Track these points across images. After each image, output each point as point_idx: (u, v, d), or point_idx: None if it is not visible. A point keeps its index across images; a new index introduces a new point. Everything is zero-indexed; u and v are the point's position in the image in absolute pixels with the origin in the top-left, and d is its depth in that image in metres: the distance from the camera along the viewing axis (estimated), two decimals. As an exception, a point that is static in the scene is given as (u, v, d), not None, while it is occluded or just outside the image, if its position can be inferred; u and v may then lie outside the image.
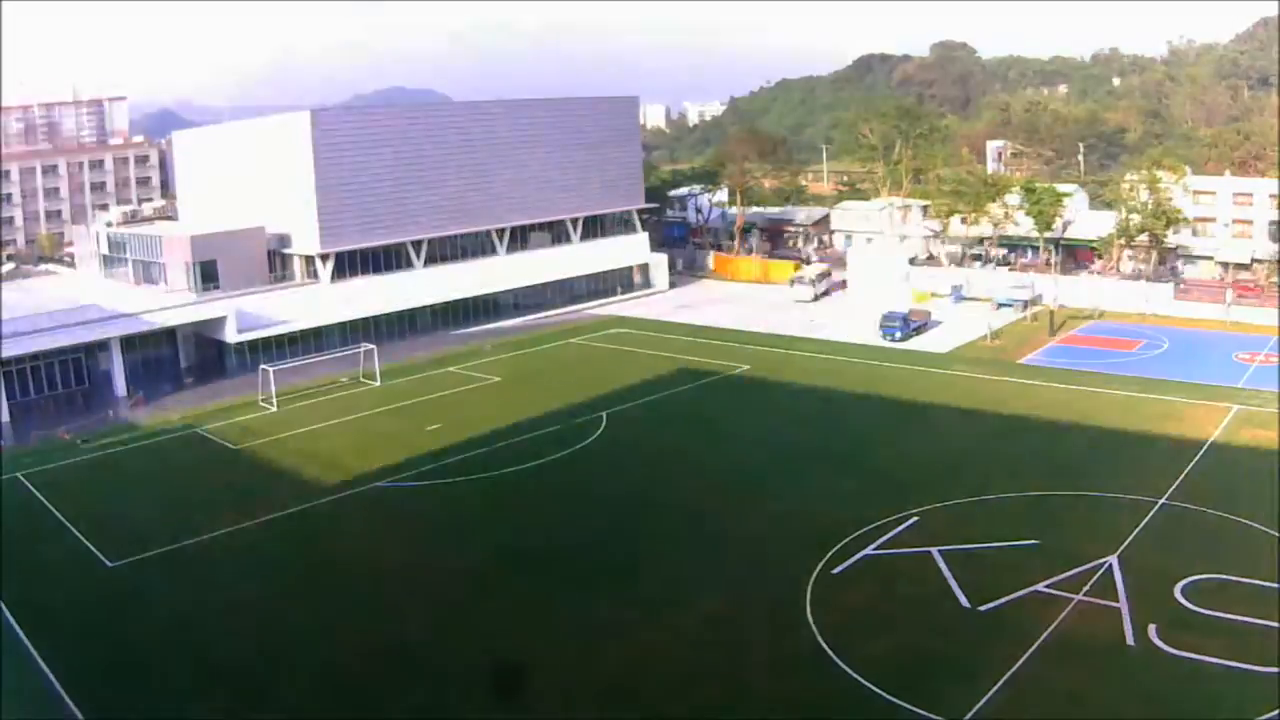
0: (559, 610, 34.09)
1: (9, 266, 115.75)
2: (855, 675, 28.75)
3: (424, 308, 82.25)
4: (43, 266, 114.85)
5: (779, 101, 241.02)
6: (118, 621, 34.78)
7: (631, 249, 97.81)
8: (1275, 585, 32.02)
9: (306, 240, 77.85)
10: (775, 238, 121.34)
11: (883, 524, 38.79)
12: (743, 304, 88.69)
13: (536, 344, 77.04)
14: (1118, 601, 32.06)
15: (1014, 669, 28.60)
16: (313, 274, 78.31)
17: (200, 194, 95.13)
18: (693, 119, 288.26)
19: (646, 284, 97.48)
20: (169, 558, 39.60)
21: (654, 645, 31.35)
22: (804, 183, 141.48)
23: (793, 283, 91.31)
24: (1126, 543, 36.13)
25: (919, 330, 73.99)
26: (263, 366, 64.63)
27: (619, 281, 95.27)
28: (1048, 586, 33.05)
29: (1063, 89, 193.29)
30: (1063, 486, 42.06)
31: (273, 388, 62.39)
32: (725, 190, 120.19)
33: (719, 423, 55.01)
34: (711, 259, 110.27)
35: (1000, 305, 79.12)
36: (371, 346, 68.73)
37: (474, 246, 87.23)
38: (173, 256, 77.54)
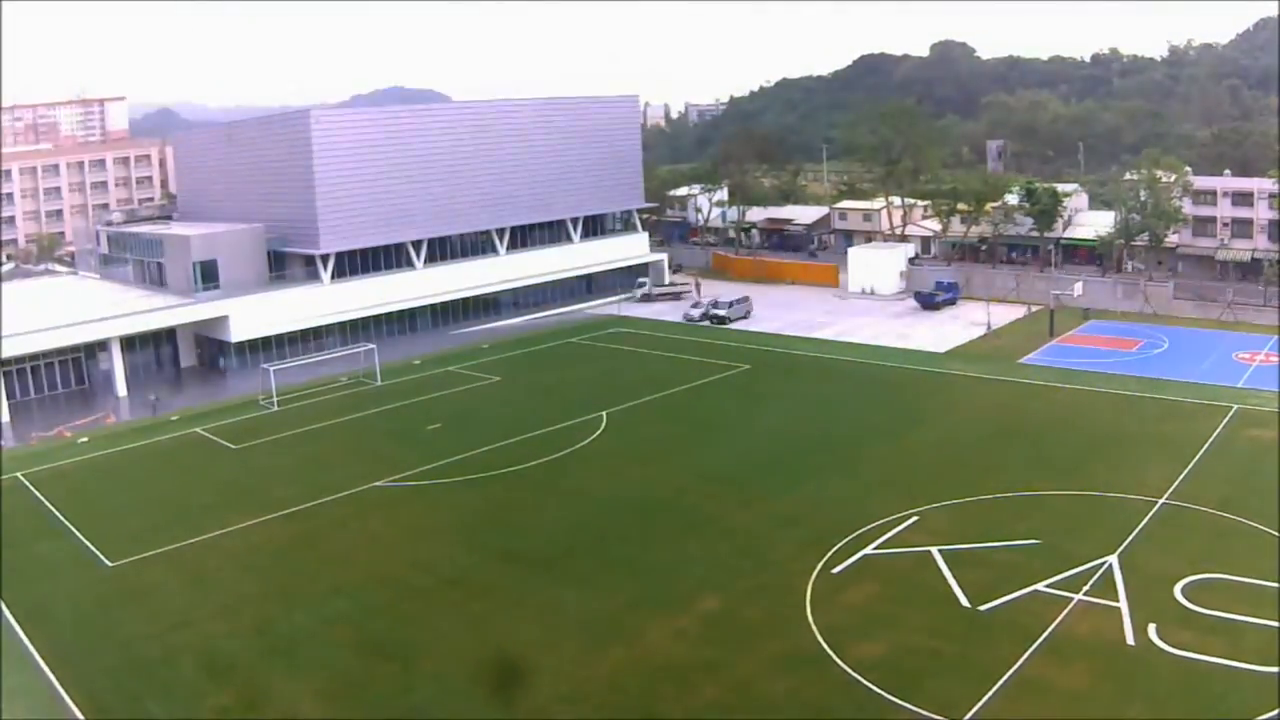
0: (559, 610, 34.07)
1: (9, 266, 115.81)
2: (855, 675, 28.76)
3: (424, 307, 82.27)
4: (43, 266, 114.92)
5: (778, 101, 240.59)
6: (118, 621, 34.79)
7: (631, 248, 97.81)
8: (1275, 585, 32.03)
9: (307, 240, 77.84)
10: (774, 237, 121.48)
11: (883, 524, 38.80)
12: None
13: (536, 343, 77.04)
14: (1118, 601, 32.06)
15: (1014, 669, 28.63)
16: (313, 274, 78.29)
17: (200, 194, 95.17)
18: (692, 119, 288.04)
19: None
20: (169, 557, 39.62)
21: (654, 645, 31.37)
22: (803, 183, 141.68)
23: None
24: (1126, 543, 36.15)
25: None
26: (263, 366, 64.68)
27: (619, 281, 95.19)
28: (1048, 586, 33.07)
29: (1063, 89, 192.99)
30: (1063, 486, 42.05)
31: (273, 387, 62.41)
32: (725, 190, 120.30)
33: (719, 422, 55.00)
34: (711, 258, 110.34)
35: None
36: (371, 346, 68.77)
37: (474, 246, 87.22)
38: (173, 256, 77.54)
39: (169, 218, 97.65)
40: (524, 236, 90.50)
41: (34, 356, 65.58)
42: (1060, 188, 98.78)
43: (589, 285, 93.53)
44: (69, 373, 68.70)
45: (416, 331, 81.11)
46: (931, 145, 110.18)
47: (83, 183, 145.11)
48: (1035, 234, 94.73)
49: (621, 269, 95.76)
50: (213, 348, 73.51)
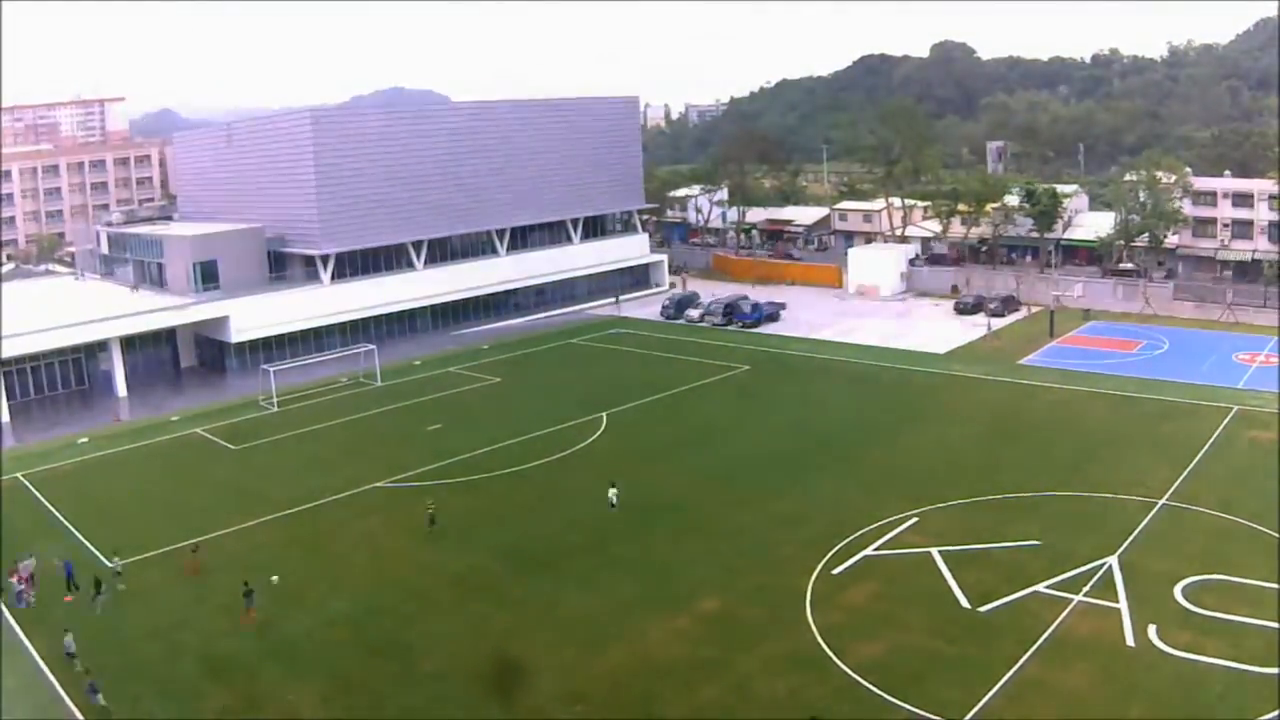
0: (560, 610, 34.11)
1: (9, 267, 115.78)
2: (855, 676, 28.77)
3: (424, 308, 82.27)
4: (43, 267, 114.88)
5: (779, 101, 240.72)
6: (118, 622, 34.78)
7: (632, 249, 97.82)
8: (1275, 586, 32.05)
9: (307, 240, 77.85)
10: (774, 238, 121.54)
11: (883, 524, 38.82)
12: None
13: (537, 344, 77.04)
14: (1118, 602, 32.08)
15: (1014, 669, 28.64)
16: (313, 274, 78.28)
17: (200, 194, 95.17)
18: (692, 119, 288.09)
19: (646, 284, 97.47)
20: (170, 558, 39.63)
21: (654, 645, 31.38)
22: (803, 183, 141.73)
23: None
24: (1126, 543, 36.16)
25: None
26: (263, 367, 64.67)
27: (619, 282, 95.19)
28: (1048, 587, 33.08)
29: (1063, 90, 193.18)
30: (1063, 486, 42.07)
31: (273, 388, 62.40)
32: (725, 191, 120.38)
33: (719, 423, 55.00)
34: (711, 259, 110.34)
35: None
36: (372, 347, 68.77)
37: (474, 246, 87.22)
38: (173, 257, 77.54)
39: (169, 218, 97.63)
40: (524, 237, 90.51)
41: (34, 357, 65.55)
42: (1060, 189, 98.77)
43: (589, 286, 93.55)
44: (69, 373, 68.68)
45: (417, 332, 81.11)
46: (931, 145, 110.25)
47: (83, 183, 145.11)
48: (1035, 235, 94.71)
49: (622, 269, 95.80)
50: (213, 348, 73.49)
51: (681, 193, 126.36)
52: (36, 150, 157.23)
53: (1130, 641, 29.86)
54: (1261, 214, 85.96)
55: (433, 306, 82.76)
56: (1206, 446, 46.22)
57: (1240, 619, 30.42)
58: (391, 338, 78.01)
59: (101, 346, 68.09)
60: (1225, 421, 49.78)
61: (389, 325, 79.39)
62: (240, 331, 71.23)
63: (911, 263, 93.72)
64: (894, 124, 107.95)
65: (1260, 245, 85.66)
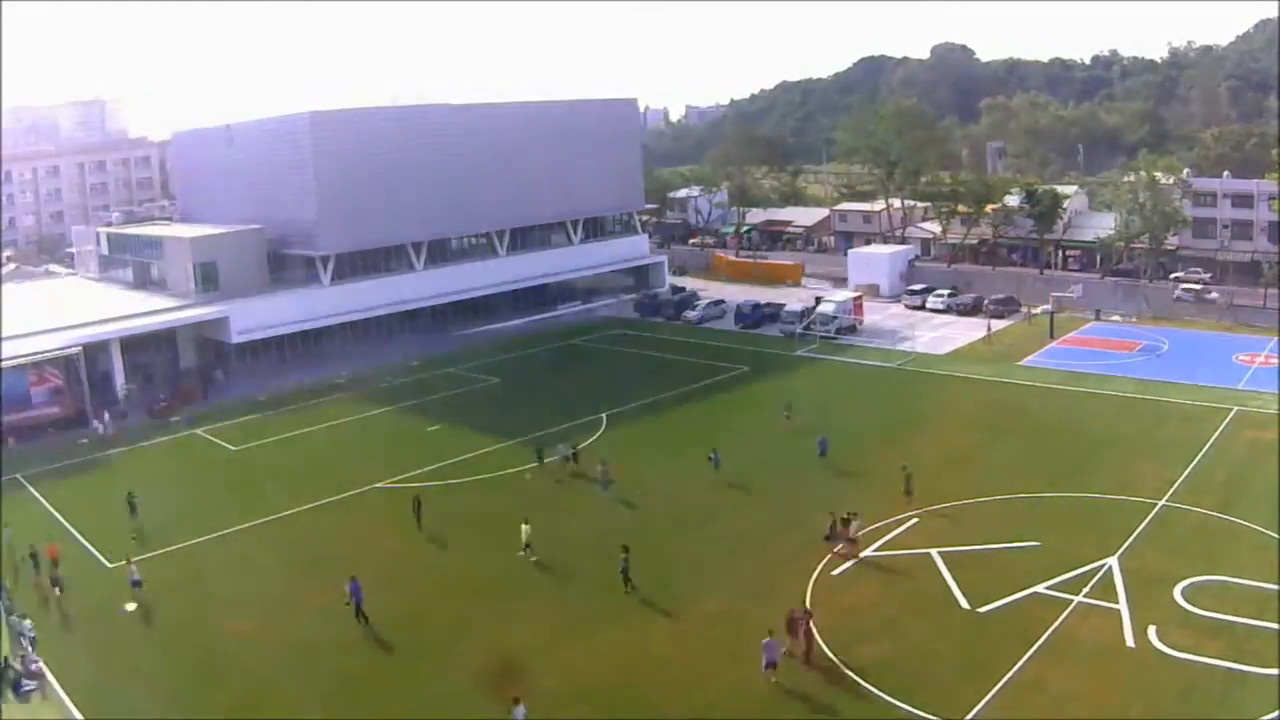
0: (560, 610, 34.12)
1: (9, 267, 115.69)
2: (855, 676, 28.78)
3: (424, 309, 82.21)
4: (43, 268, 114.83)
5: (779, 103, 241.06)
6: (118, 622, 34.78)
7: (631, 250, 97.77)
8: (1275, 586, 32.05)
9: (307, 241, 77.83)
10: (774, 239, 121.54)
11: (883, 524, 38.82)
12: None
13: (536, 345, 77.02)
14: (1117, 603, 32.09)
15: (1014, 670, 28.64)
16: (313, 275, 78.25)
17: (200, 195, 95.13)
18: (693, 121, 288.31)
19: (647, 285, 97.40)
20: (170, 558, 39.64)
21: (654, 645, 31.39)
22: (803, 185, 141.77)
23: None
24: (1126, 544, 36.16)
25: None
26: (263, 368, 64.59)
27: (619, 283, 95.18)
28: (1047, 588, 33.08)
29: (1063, 91, 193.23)
30: (1063, 487, 42.07)
31: (273, 389, 62.37)
32: (725, 192, 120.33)
33: (718, 424, 54.98)
34: (711, 260, 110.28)
35: None
36: (372, 348, 68.60)
37: (474, 248, 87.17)
38: (173, 258, 77.50)
39: (169, 219, 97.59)
40: (524, 238, 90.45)
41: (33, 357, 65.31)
42: (1060, 189, 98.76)
43: (589, 287, 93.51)
44: (69, 374, 68.46)
45: (417, 333, 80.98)
46: (931, 146, 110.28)
47: (83, 183, 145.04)
48: (1035, 236, 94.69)
49: (622, 270, 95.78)
50: (213, 350, 73.42)
51: (682, 194, 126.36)
52: (36, 150, 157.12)
53: (1130, 642, 29.87)
54: (1261, 214, 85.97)
55: (433, 307, 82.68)
56: (1206, 447, 46.23)
57: (1240, 620, 30.43)
58: (391, 339, 77.96)
59: (101, 348, 67.95)
60: (1225, 422, 49.79)
61: (389, 326, 79.34)
62: (241, 332, 71.20)
63: (911, 264, 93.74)
64: (896, 125, 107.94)
65: (1260, 245, 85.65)
